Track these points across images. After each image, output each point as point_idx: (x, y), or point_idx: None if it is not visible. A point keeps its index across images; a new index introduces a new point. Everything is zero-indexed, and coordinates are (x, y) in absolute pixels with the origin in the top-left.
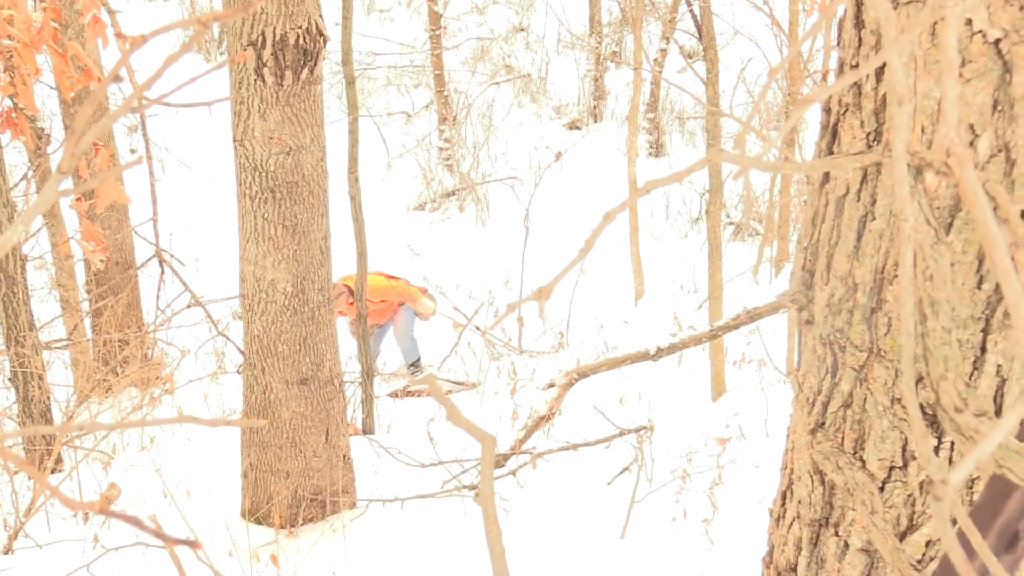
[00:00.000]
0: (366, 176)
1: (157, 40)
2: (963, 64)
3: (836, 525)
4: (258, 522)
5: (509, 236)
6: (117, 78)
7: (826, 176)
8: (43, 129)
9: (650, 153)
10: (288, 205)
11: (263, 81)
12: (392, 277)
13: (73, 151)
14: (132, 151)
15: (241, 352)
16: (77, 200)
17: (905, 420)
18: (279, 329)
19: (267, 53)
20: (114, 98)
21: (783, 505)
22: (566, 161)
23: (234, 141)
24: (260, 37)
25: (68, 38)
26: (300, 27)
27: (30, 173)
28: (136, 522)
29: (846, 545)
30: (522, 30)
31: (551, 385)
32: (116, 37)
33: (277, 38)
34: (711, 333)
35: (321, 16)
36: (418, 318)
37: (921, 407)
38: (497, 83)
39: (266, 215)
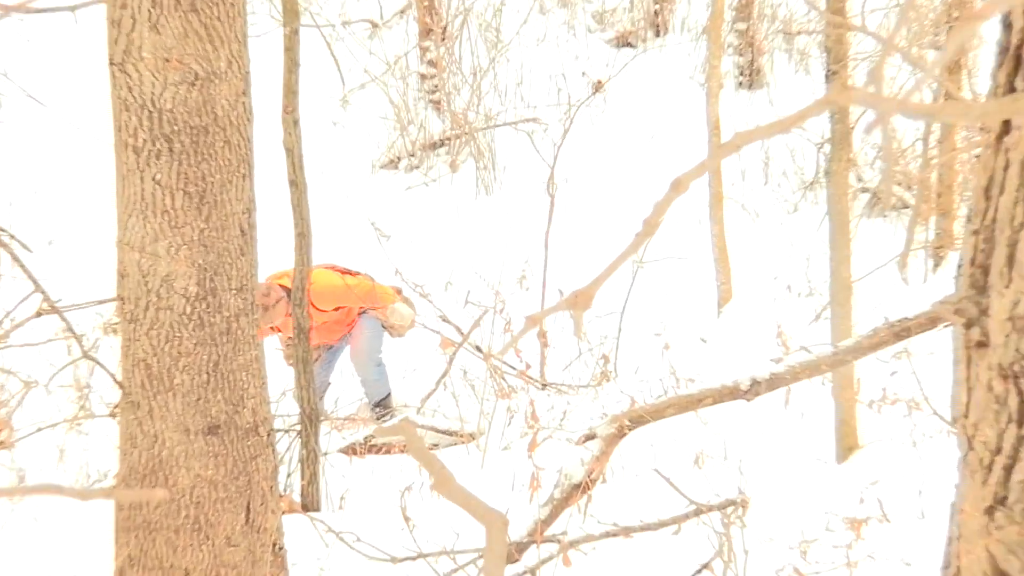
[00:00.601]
0: (310, 117)
1: None
2: None
3: None
4: None
5: (526, 209)
6: None
7: (1007, 125)
8: None
9: (741, 83)
10: (193, 161)
11: None
12: (349, 272)
13: None
14: None
15: (119, 384)
16: None
17: None
18: (177, 350)
19: None
20: None
21: None
22: (612, 94)
23: (111, 64)
24: None
25: None
26: None
27: None
28: None
29: None
30: None
31: (591, 437)
32: None
33: None
34: (835, 358)
35: None
36: (388, 334)
37: None
38: None
39: (159, 176)
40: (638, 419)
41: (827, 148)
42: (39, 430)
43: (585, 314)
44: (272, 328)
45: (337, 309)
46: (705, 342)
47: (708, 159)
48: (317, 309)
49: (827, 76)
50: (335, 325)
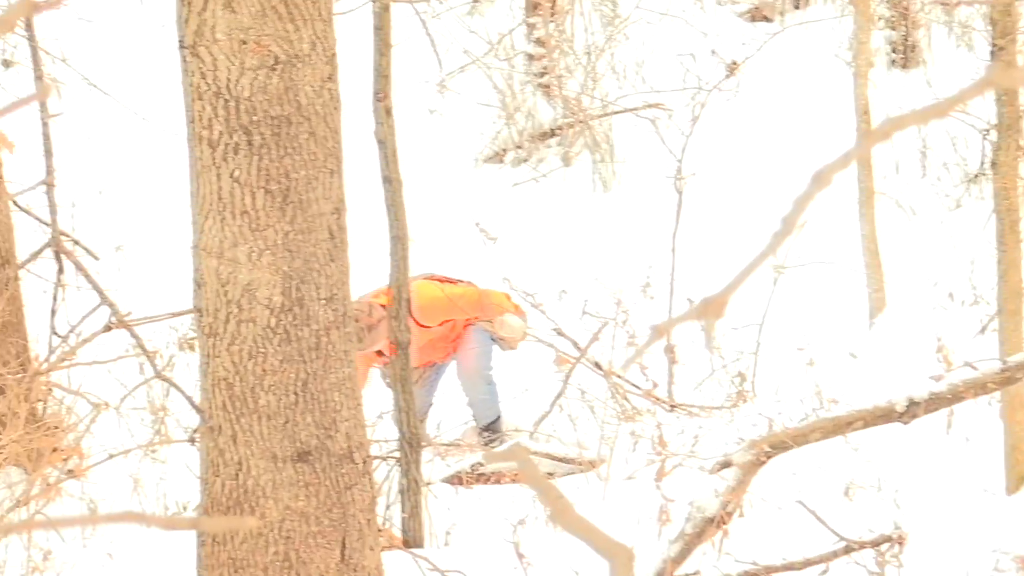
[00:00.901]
0: (405, 105)
1: None
2: None
3: None
4: None
5: (650, 207)
6: None
7: None
8: None
9: (894, 61)
10: (274, 156)
11: None
12: (450, 280)
13: None
14: (6, 64)
15: (196, 408)
16: None
17: None
18: (261, 367)
19: None
20: None
21: None
22: (747, 76)
23: (182, 48)
24: None
25: None
26: None
27: None
28: None
29: None
30: None
31: (726, 464)
32: None
33: None
34: (1004, 375)
35: None
36: (498, 346)
37: None
38: None
39: (237, 173)
40: (779, 445)
41: (993, 135)
42: (111, 457)
43: (718, 325)
44: (376, 356)
45: (444, 323)
46: (855, 358)
47: (856, 148)
48: (421, 326)
49: (992, 52)
50: (440, 341)
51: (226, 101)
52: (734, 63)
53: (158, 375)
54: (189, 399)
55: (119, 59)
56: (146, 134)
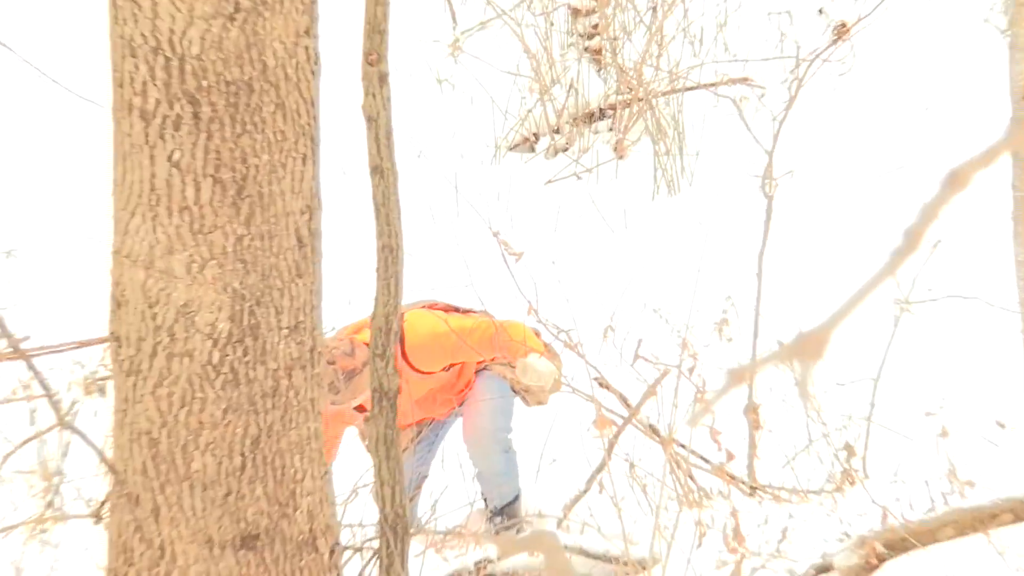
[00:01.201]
0: (405, 71)
1: None
2: None
3: None
4: None
5: (730, 216)
6: None
7: None
8: None
9: None
10: (229, 134)
11: None
12: (457, 309)
13: None
14: None
15: (109, 466)
16: None
17: None
18: (197, 419)
19: None
20: None
21: None
22: (864, 44)
23: None
24: None
25: None
26: None
27: None
28: None
29: None
30: None
31: (825, 569)
32: None
33: None
34: None
35: None
36: (520, 400)
37: None
38: None
39: (178, 156)
40: (898, 543)
41: None
42: None
43: (817, 373)
44: (356, 408)
45: (448, 368)
46: (1003, 427)
47: (1005, 141)
48: (417, 371)
49: None
50: (442, 392)
51: (167, 60)
52: (843, 25)
53: (62, 423)
54: (100, 454)
55: (21, 3)
56: (54, 101)
